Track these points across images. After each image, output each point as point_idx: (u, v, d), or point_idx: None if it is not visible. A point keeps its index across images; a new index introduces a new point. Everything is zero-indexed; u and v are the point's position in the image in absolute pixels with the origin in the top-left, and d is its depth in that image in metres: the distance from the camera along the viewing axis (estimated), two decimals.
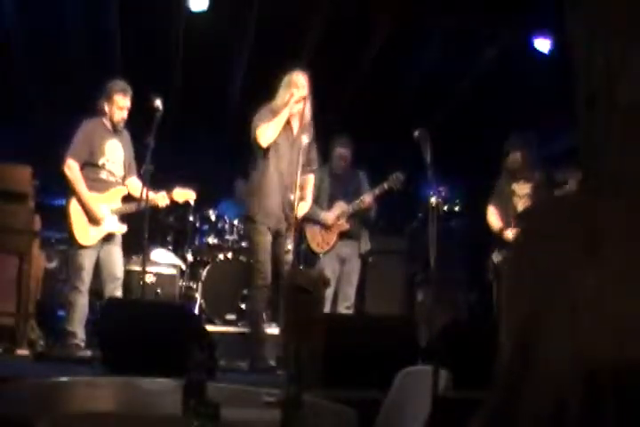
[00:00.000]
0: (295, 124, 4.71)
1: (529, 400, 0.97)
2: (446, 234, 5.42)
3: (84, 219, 4.62)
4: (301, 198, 4.57)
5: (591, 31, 1.13)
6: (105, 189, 4.71)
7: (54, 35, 6.58)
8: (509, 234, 5.13)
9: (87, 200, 4.62)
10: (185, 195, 4.88)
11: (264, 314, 5.33)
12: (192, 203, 5.05)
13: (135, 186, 4.79)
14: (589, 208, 1.03)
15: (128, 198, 4.81)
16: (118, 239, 4.75)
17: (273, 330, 5.25)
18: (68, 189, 4.67)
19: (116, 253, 4.70)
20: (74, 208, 4.63)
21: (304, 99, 4.62)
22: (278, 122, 4.57)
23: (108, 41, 6.75)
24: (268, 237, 4.63)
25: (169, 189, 4.79)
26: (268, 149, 4.64)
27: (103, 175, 4.72)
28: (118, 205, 4.72)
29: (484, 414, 1.06)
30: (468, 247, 6.97)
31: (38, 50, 6.69)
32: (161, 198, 4.76)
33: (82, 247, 4.59)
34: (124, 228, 4.73)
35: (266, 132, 4.57)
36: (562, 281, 0.99)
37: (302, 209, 4.66)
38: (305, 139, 4.55)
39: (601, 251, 0.98)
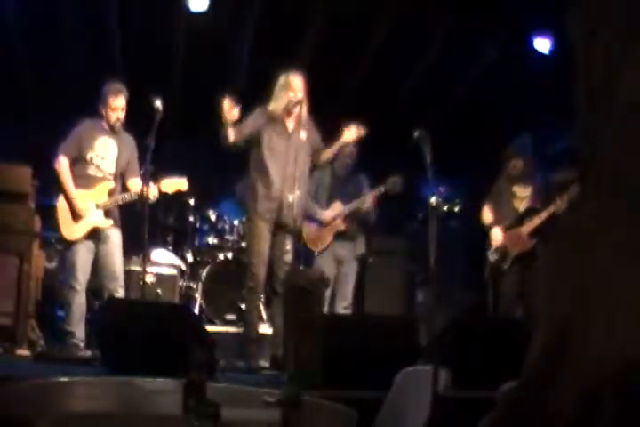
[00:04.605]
0: (291, 126, 4.71)
1: (558, 397, 0.97)
2: (446, 234, 5.41)
3: (69, 214, 4.67)
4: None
5: (591, 31, 1.12)
6: (92, 185, 4.73)
7: (54, 35, 6.58)
8: (496, 233, 5.40)
9: (71, 195, 4.67)
10: (174, 185, 4.78)
11: (263, 314, 5.31)
12: (184, 189, 4.89)
13: (137, 186, 4.77)
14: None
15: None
16: (117, 239, 4.75)
17: (266, 330, 5.23)
18: (57, 186, 4.70)
19: (115, 253, 4.71)
20: (61, 205, 4.69)
21: (300, 102, 4.61)
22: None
23: (108, 41, 6.75)
24: (265, 239, 4.62)
25: (157, 181, 4.69)
26: (265, 150, 4.64)
27: (91, 171, 4.73)
28: (104, 199, 4.73)
29: (502, 409, 1.06)
30: (467, 247, 6.97)
31: (39, 50, 6.69)
32: (150, 191, 4.71)
33: (70, 243, 4.64)
34: (108, 222, 4.73)
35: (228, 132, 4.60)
36: (604, 283, 0.99)
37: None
38: (303, 136, 4.57)
39: None
